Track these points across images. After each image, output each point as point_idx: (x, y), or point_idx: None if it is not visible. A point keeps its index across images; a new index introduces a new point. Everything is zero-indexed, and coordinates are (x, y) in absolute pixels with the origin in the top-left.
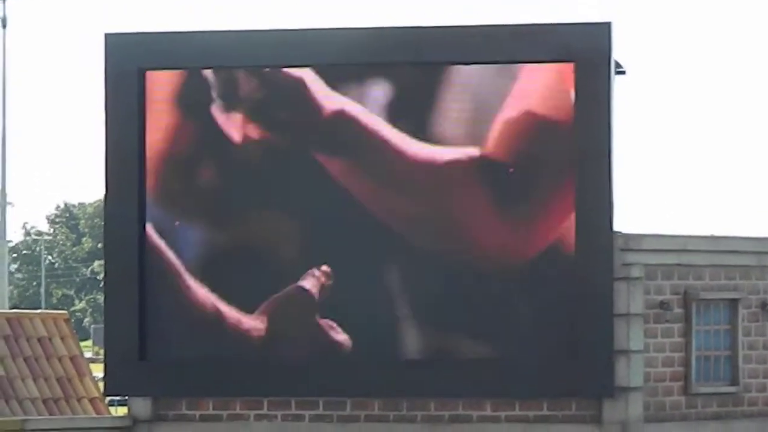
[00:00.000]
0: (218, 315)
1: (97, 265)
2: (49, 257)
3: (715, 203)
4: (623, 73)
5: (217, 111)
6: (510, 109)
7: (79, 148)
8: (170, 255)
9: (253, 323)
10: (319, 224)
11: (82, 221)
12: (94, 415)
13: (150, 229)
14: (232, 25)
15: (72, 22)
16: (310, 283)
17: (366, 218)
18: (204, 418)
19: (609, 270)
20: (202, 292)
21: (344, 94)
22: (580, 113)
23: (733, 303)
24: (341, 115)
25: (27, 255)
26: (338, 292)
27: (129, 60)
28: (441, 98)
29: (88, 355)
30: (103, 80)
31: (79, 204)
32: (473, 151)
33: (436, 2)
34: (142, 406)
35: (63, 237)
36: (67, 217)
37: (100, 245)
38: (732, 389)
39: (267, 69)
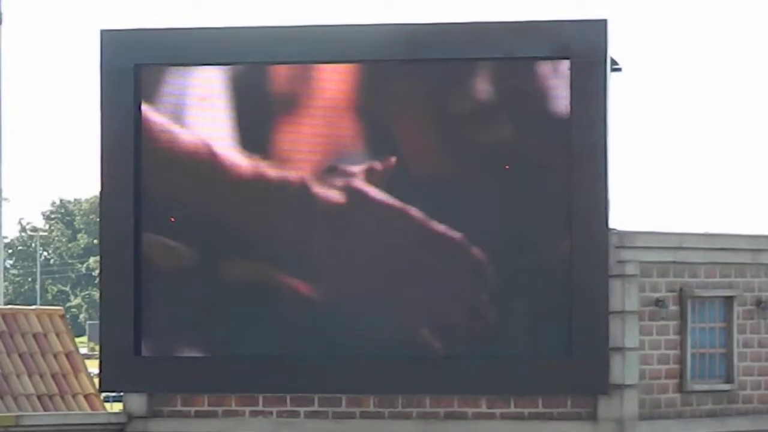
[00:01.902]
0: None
1: (93, 261)
2: (45, 253)
3: (710, 201)
4: (619, 70)
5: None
6: None
7: (74, 144)
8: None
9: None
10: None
11: (78, 217)
12: (90, 412)
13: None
14: (228, 22)
15: (68, 19)
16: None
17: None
18: (199, 414)
19: (604, 267)
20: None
21: None
22: (576, 110)
23: (729, 300)
24: None
25: (22, 251)
26: (335, 289)
27: (124, 56)
28: None
29: (83, 351)
30: (98, 76)
31: (75, 200)
32: None
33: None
34: (138, 402)
35: (58, 233)
36: (62, 213)
37: (95, 241)
38: (727, 387)
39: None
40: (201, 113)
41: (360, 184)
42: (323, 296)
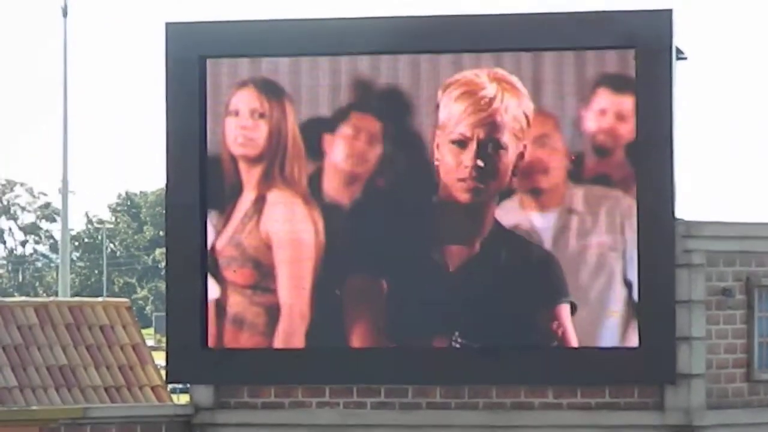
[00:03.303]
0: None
1: (159, 253)
2: (111, 245)
3: None
4: (684, 58)
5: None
6: None
7: (140, 137)
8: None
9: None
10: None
11: (144, 209)
12: (156, 403)
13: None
14: (294, 14)
15: (133, 11)
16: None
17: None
18: (266, 406)
19: (671, 257)
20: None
21: None
22: (642, 100)
23: None
24: None
25: (89, 243)
26: (397, 280)
27: (190, 48)
28: None
29: (150, 343)
30: (164, 68)
31: (141, 192)
32: None
33: None
34: (204, 393)
35: (124, 225)
36: (128, 206)
37: (161, 233)
38: None
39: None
40: None
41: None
42: (391, 288)
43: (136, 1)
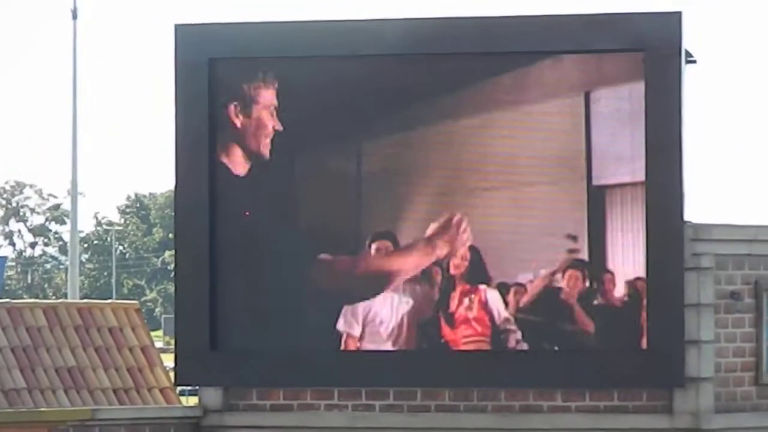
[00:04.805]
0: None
1: (168, 255)
2: (120, 247)
3: None
4: (694, 62)
5: None
6: None
7: (149, 139)
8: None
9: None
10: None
11: (153, 211)
12: (165, 405)
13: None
14: (304, 16)
15: (142, 13)
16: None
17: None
18: (275, 408)
19: (679, 260)
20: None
21: None
22: (651, 103)
23: None
24: None
25: (98, 245)
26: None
27: (199, 51)
28: None
29: (158, 345)
30: (173, 71)
31: (150, 194)
32: None
33: None
34: (213, 396)
35: (134, 227)
36: (137, 208)
37: (170, 235)
38: None
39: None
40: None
41: None
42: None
43: (146, 3)
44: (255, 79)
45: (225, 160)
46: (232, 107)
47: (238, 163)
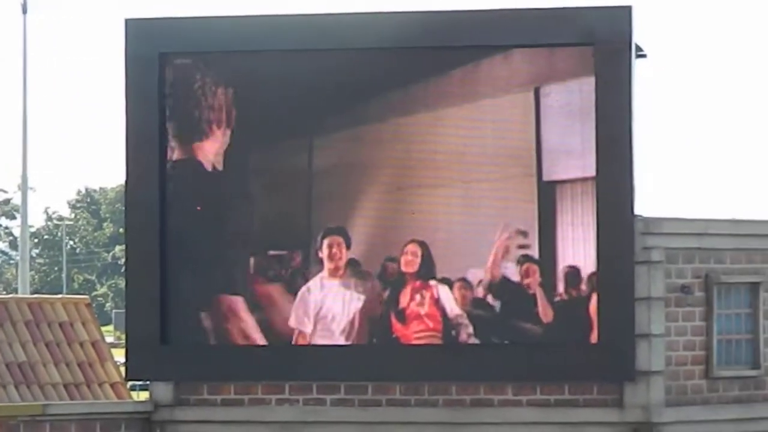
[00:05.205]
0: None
1: (119, 250)
2: (71, 242)
3: (736, 187)
4: (644, 56)
5: None
6: None
7: (100, 133)
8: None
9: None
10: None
11: (104, 206)
12: (116, 400)
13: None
14: (253, 10)
15: (92, 8)
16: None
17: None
18: (225, 403)
19: (630, 254)
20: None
21: None
22: (601, 97)
23: (755, 287)
24: None
25: (48, 240)
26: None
27: (149, 45)
28: None
29: (109, 339)
30: (123, 65)
31: (101, 189)
32: None
33: None
34: (164, 390)
35: (84, 222)
36: (88, 202)
37: (121, 230)
38: (753, 373)
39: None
40: None
41: None
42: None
43: None
44: (206, 74)
45: (176, 155)
46: (183, 102)
47: (189, 158)
